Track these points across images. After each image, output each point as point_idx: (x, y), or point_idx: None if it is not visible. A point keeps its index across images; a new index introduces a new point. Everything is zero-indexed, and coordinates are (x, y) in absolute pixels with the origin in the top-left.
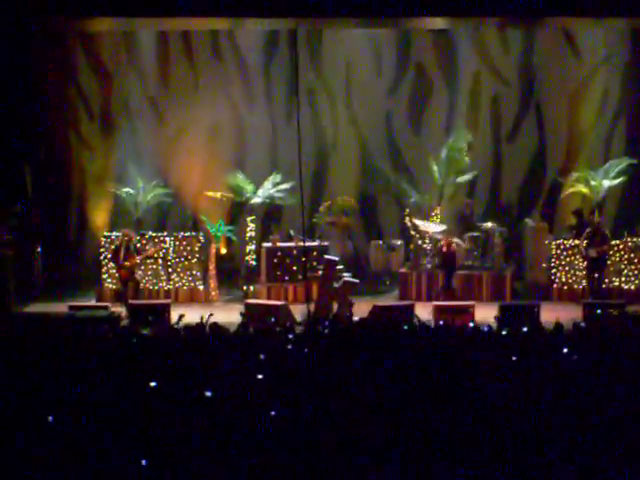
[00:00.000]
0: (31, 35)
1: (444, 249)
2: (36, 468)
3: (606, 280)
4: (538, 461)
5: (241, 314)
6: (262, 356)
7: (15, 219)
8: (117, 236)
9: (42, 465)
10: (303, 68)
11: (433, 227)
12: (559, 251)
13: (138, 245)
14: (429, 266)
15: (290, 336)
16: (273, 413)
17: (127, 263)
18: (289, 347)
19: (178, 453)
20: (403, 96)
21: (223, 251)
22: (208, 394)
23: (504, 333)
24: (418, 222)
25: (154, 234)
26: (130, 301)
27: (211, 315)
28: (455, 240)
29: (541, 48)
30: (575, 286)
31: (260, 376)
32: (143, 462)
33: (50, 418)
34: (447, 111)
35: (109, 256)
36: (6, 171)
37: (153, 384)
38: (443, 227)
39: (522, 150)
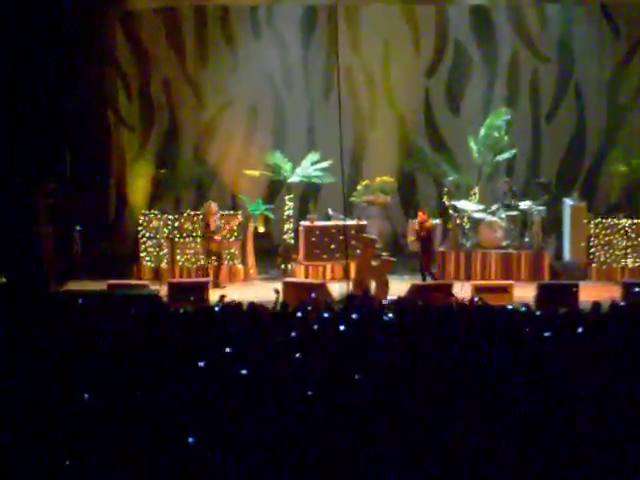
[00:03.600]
0: (69, 14)
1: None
2: (74, 446)
3: None
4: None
5: (275, 291)
6: (297, 334)
7: (54, 198)
8: (199, 211)
9: (81, 443)
10: (341, 46)
11: (471, 206)
12: (598, 230)
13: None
14: (467, 244)
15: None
16: (310, 393)
17: (218, 236)
18: (341, 328)
19: (224, 430)
20: (441, 74)
21: (261, 230)
22: (244, 372)
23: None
24: (457, 202)
25: (193, 212)
26: (170, 280)
27: (224, 297)
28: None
29: (579, 24)
30: (614, 265)
31: (298, 355)
32: (190, 440)
33: (86, 396)
34: (486, 89)
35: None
36: (45, 151)
37: (201, 364)
38: (481, 206)
39: (561, 128)
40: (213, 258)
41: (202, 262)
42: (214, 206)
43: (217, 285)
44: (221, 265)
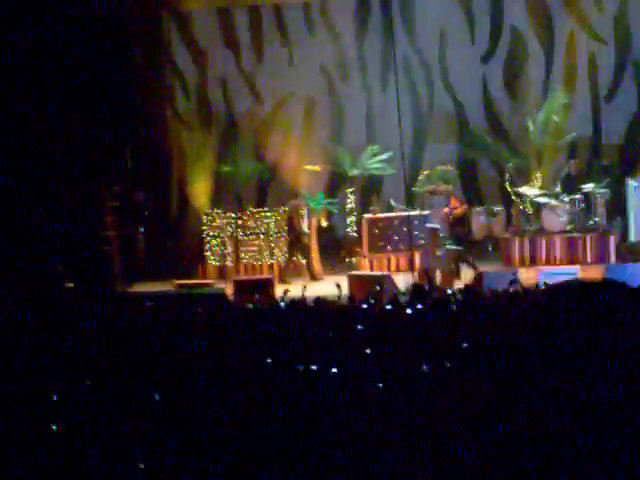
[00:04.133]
0: (126, 15)
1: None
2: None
3: None
4: None
5: (337, 286)
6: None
7: (117, 201)
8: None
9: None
10: (396, 35)
11: (533, 191)
12: None
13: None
14: (531, 229)
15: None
16: (380, 385)
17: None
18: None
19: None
20: (498, 60)
21: (324, 224)
22: (314, 368)
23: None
24: (519, 187)
25: (255, 210)
26: (234, 277)
27: (287, 291)
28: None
29: (635, 4)
30: None
31: (368, 350)
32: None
33: (157, 396)
34: (543, 72)
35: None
36: (107, 154)
37: (269, 360)
38: (543, 191)
39: (621, 109)
40: (299, 255)
41: (277, 259)
42: (301, 204)
43: (315, 278)
44: (311, 260)
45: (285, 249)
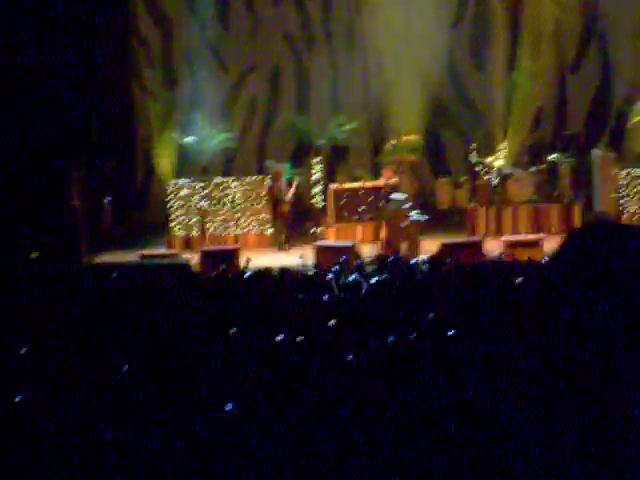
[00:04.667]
0: None
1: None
2: (105, 417)
3: None
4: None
5: (300, 256)
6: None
7: (83, 170)
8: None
9: (111, 414)
10: (362, 5)
11: (499, 161)
12: (628, 180)
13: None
14: (497, 200)
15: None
16: (350, 357)
17: (287, 200)
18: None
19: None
20: (465, 30)
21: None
22: (279, 338)
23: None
24: (484, 158)
25: (221, 179)
26: (201, 248)
27: (249, 260)
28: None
29: None
30: None
31: (333, 322)
32: (228, 406)
33: (125, 367)
34: (509, 43)
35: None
36: (72, 123)
37: (233, 330)
38: (508, 162)
39: (586, 79)
40: (280, 223)
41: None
42: (282, 170)
43: (284, 249)
44: (290, 229)
45: (266, 217)
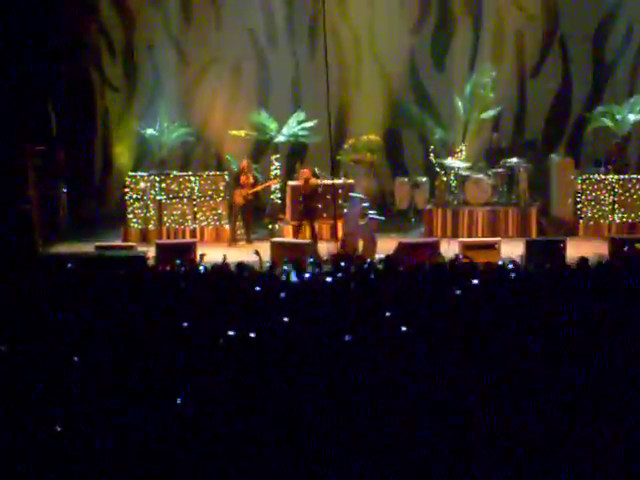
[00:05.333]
0: None
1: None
2: (62, 408)
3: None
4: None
5: (255, 253)
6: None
7: (39, 159)
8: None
9: (68, 405)
10: (327, 4)
11: (458, 163)
12: (585, 186)
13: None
14: (454, 202)
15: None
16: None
17: (244, 191)
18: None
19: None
20: (427, 32)
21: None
22: (231, 333)
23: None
24: (443, 159)
25: (179, 173)
26: (157, 241)
27: (203, 255)
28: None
29: None
30: (601, 221)
31: (286, 319)
32: (178, 400)
33: (76, 359)
34: (471, 47)
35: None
36: (30, 111)
37: (185, 324)
38: (467, 164)
39: (546, 84)
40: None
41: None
42: (246, 163)
43: (233, 244)
44: (236, 223)
45: (224, 213)
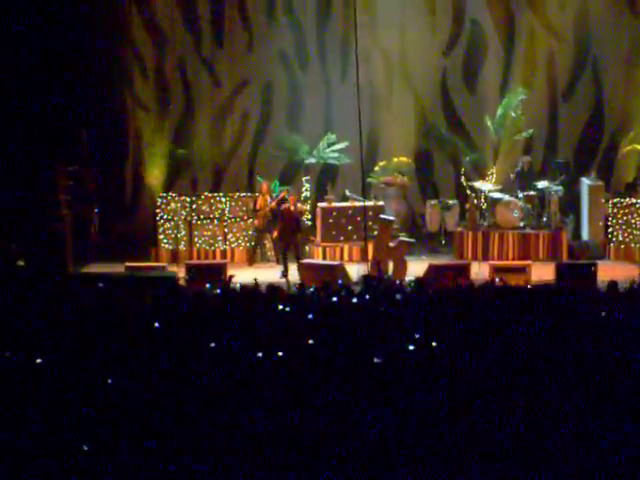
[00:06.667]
0: None
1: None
2: (93, 430)
3: None
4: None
5: (283, 274)
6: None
7: (71, 180)
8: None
9: (99, 428)
10: (358, 27)
11: (488, 186)
12: (616, 210)
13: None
14: (485, 224)
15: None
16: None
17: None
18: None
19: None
20: (458, 54)
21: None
22: (259, 355)
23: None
24: (474, 182)
25: (210, 194)
26: (187, 262)
27: (232, 277)
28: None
29: (596, 3)
30: (632, 245)
31: (311, 341)
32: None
33: (110, 380)
34: (502, 69)
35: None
36: (63, 133)
37: (212, 344)
38: (498, 186)
39: (578, 108)
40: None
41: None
42: (265, 185)
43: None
44: (257, 245)
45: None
